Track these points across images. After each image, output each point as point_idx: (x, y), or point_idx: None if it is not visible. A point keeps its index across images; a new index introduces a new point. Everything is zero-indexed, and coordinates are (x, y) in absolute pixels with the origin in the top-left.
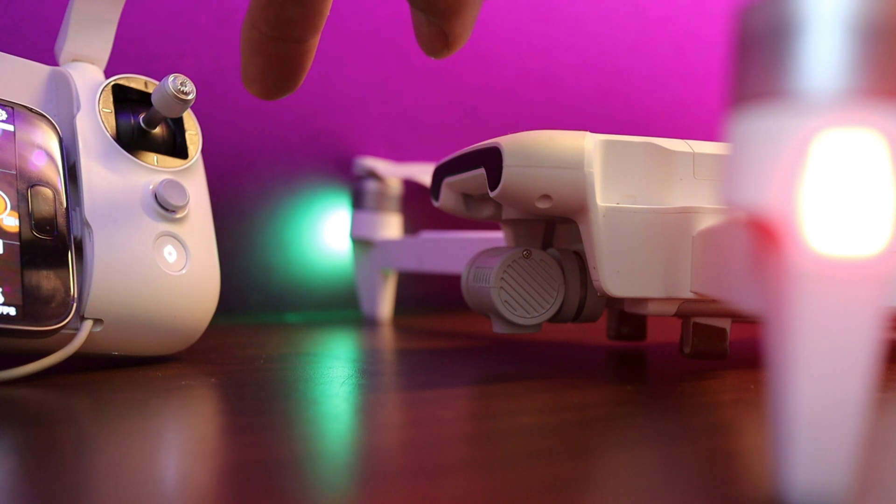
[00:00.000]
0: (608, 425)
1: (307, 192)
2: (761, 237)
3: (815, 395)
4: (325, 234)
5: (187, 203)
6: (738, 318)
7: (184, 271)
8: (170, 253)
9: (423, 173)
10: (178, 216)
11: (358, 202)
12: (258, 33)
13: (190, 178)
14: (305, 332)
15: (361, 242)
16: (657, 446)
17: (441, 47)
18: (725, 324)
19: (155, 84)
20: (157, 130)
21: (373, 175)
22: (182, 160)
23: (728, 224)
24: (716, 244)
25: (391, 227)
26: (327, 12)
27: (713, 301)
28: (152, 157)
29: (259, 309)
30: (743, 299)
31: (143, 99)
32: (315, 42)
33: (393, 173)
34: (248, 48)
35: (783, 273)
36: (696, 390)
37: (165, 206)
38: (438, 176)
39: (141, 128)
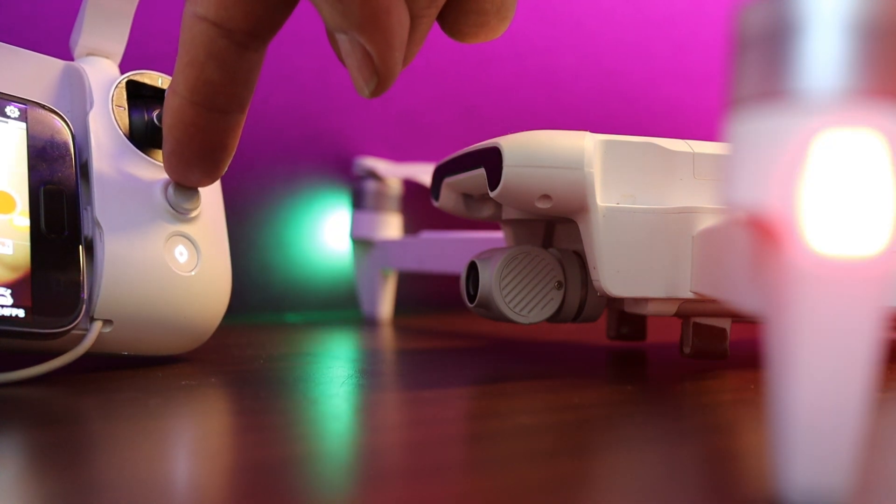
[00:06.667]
0: (608, 425)
1: (307, 192)
2: (761, 237)
3: (815, 396)
4: (325, 234)
5: (199, 203)
6: (738, 318)
7: (194, 272)
8: (181, 253)
9: (423, 173)
10: (189, 216)
11: (358, 202)
12: (178, 99)
13: None
14: (305, 332)
15: (361, 242)
16: (657, 446)
17: (369, 76)
18: (725, 324)
19: (169, 80)
20: None
21: (373, 175)
22: None
23: (728, 224)
24: (716, 244)
25: (391, 227)
26: (253, 84)
27: (713, 301)
28: None
29: (259, 309)
30: (743, 299)
31: (157, 95)
32: (240, 120)
33: (393, 173)
34: (167, 118)
35: (783, 273)
36: (696, 390)
37: (177, 206)
38: (438, 176)
39: (154, 125)
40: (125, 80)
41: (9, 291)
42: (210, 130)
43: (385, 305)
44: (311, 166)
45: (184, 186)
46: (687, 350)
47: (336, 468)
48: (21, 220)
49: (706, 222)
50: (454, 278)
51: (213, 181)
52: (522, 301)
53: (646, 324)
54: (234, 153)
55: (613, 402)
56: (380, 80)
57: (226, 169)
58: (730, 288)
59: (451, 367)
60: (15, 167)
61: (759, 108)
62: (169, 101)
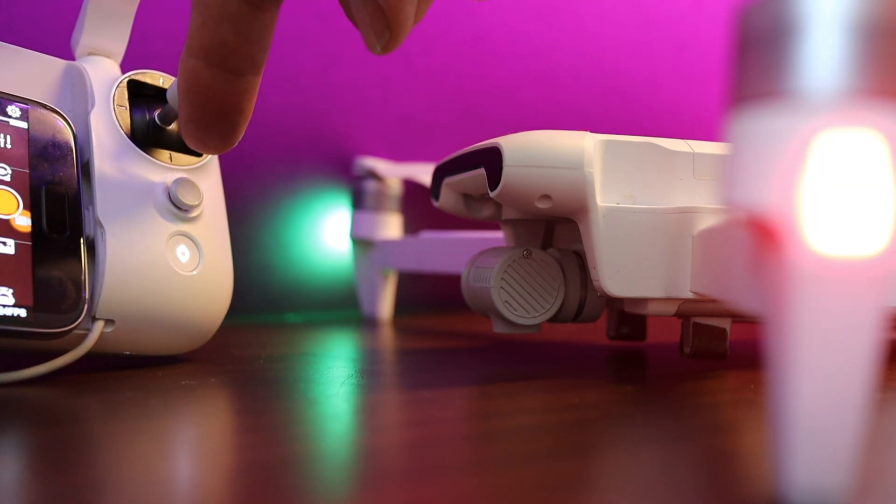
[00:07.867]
0: (608, 425)
1: (307, 192)
2: (761, 237)
3: (815, 395)
4: (326, 234)
5: (201, 202)
6: (738, 318)
7: (196, 271)
8: (182, 253)
9: (423, 173)
10: (191, 215)
11: (358, 202)
12: (193, 61)
13: (204, 176)
14: (305, 332)
15: (361, 242)
16: (657, 446)
17: (381, 30)
18: (725, 324)
19: (171, 80)
20: (172, 127)
21: (373, 175)
22: (196, 158)
23: (728, 224)
24: (716, 244)
25: (391, 227)
26: (267, 45)
27: (713, 301)
28: (167, 155)
29: (259, 309)
30: (743, 299)
31: (158, 94)
32: (255, 83)
33: (393, 173)
34: (182, 82)
35: (783, 273)
36: (696, 390)
37: (179, 206)
38: (438, 176)
39: (156, 124)
40: (126, 79)
41: (10, 291)
42: (226, 93)
43: (385, 305)
44: (311, 166)
45: (184, 186)
46: (687, 350)
47: (336, 468)
48: (23, 219)
49: (706, 222)
50: (454, 278)
51: (229, 147)
52: (522, 303)
53: (646, 324)
54: (249, 119)
55: (613, 402)
56: (392, 34)
57: (242, 135)
58: (730, 288)
59: (451, 367)
60: (16, 167)
61: (759, 108)
62: (184, 63)
